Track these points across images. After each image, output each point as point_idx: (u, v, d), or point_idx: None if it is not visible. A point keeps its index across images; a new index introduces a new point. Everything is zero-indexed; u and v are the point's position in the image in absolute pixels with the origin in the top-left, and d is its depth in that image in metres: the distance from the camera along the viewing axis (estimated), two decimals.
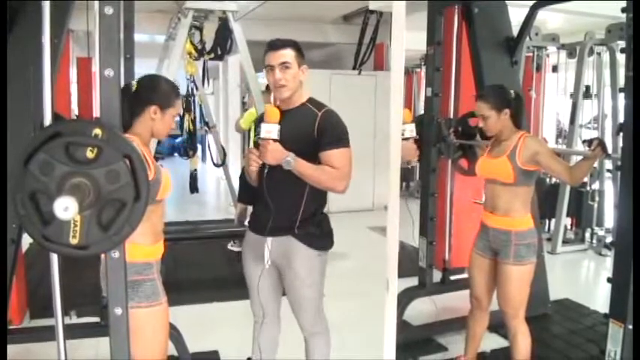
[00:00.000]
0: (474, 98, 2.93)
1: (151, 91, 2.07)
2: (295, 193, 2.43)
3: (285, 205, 2.43)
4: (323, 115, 2.42)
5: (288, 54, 2.41)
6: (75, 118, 6.87)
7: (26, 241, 3.11)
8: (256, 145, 2.46)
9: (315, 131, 2.39)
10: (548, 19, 6.68)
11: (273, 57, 2.41)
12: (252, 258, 2.59)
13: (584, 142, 3.03)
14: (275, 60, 2.40)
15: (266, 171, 2.41)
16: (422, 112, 5.21)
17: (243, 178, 2.68)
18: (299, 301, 2.56)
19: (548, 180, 6.41)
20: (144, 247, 2.02)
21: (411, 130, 2.71)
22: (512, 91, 2.88)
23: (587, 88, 6.27)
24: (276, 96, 2.51)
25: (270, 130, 2.30)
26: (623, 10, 2.53)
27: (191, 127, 6.52)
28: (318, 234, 2.50)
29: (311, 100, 2.51)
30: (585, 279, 5.91)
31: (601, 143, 2.62)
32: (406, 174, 9.26)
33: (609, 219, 6.38)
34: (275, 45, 2.42)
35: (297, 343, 2.72)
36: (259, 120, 2.51)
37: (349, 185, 2.43)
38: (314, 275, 2.52)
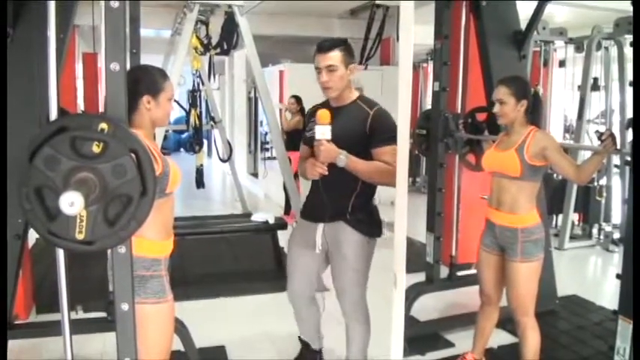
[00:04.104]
0: (483, 92, 2.91)
1: (137, 83, 2.04)
2: (348, 187, 2.59)
3: (338, 196, 2.61)
4: (375, 113, 2.55)
5: (334, 56, 2.52)
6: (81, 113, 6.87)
7: (33, 236, 3.11)
8: (308, 142, 2.67)
9: (367, 129, 2.53)
10: (556, 12, 6.62)
11: (320, 59, 2.53)
12: (300, 243, 2.77)
13: (596, 131, 3.03)
14: (322, 62, 2.52)
15: None
16: (429, 107, 5.18)
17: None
18: (344, 285, 2.68)
19: (555, 176, 6.37)
20: (154, 242, 2.00)
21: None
22: (532, 89, 2.91)
23: (595, 80, 6.21)
24: (325, 95, 2.64)
25: (324, 131, 2.44)
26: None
27: (197, 122, 6.54)
28: (367, 221, 2.65)
29: (362, 98, 2.64)
30: (593, 275, 5.88)
31: (612, 134, 2.60)
32: (413, 169, 9.22)
33: (617, 215, 6.35)
34: (322, 47, 2.53)
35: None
36: (308, 119, 2.68)
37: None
38: (361, 261, 2.65)
